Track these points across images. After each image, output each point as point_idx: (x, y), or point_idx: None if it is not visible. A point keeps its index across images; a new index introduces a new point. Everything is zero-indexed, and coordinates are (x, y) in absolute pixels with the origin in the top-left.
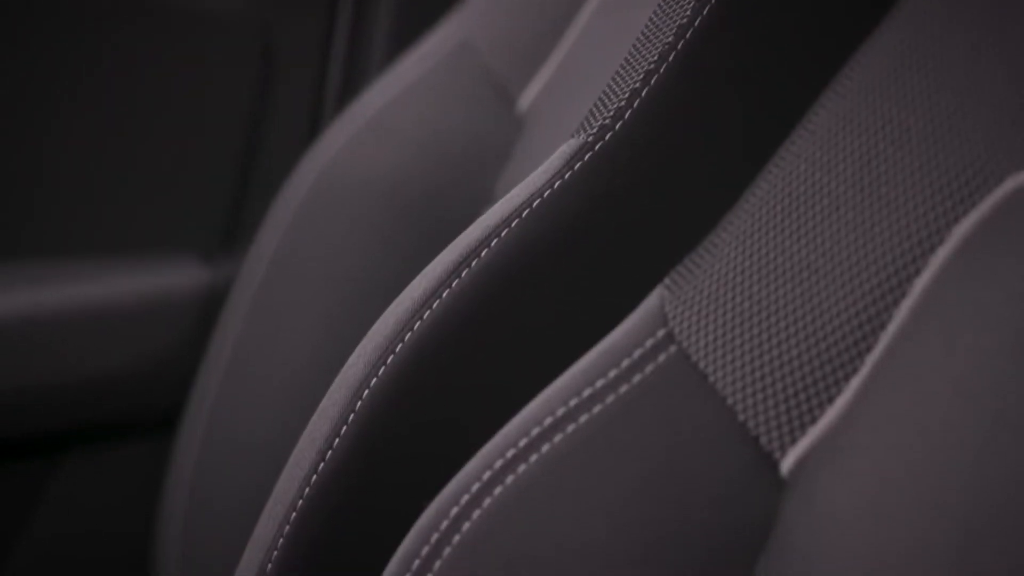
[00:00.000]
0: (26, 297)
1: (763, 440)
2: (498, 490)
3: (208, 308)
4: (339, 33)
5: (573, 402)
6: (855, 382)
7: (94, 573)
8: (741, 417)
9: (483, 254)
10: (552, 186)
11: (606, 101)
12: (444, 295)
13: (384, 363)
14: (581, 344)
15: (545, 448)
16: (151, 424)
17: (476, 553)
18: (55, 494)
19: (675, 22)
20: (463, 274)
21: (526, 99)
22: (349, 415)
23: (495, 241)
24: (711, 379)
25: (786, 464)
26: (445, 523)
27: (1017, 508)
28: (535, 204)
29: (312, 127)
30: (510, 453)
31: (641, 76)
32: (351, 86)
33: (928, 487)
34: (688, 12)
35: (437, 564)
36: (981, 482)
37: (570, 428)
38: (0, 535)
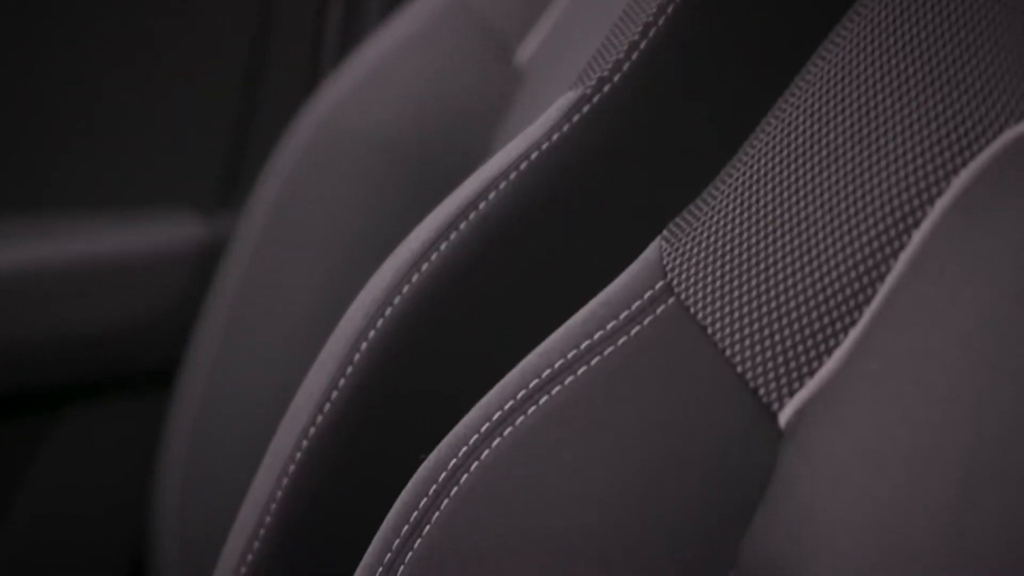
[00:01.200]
0: (23, 251)
1: (762, 392)
2: (496, 442)
3: (206, 263)
4: None
5: (571, 354)
6: (854, 334)
7: (91, 528)
8: (740, 369)
9: (481, 207)
10: (550, 139)
11: (604, 54)
12: (442, 247)
13: (382, 316)
14: (579, 297)
15: (543, 400)
16: (149, 379)
17: (474, 504)
18: (52, 449)
19: None
20: (461, 227)
21: (524, 52)
22: (347, 368)
23: (493, 194)
24: (710, 331)
25: (784, 415)
26: (443, 475)
27: (1016, 459)
28: (533, 157)
29: (310, 81)
30: (508, 405)
31: (639, 29)
32: (349, 39)
33: (926, 438)
34: None
35: (435, 516)
36: (980, 433)
37: (568, 380)
38: None
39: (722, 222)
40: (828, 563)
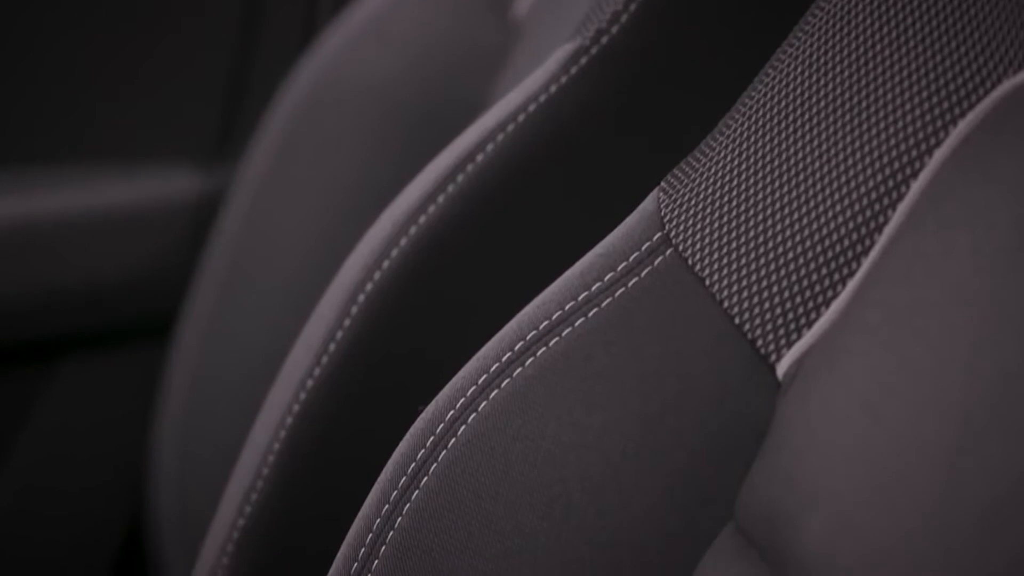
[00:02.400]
0: (19, 204)
1: (760, 343)
2: (494, 394)
3: (203, 216)
4: None
5: (569, 306)
6: (851, 285)
7: (89, 480)
8: (738, 320)
9: (478, 159)
10: (548, 90)
11: (602, 6)
12: (440, 200)
13: (379, 268)
14: (576, 250)
15: (540, 352)
16: (146, 331)
17: (472, 456)
18: (50, 402)
19: None
20: (458, 179)
21: (522, 4)
22: (344, 320)
23: (490, 146)
24: (707, 282)
25: (782, 366)
26: (441, 427)
27: (1013, 408)
28: (531, 108)
29: (307, 33)
30: (506, 357)
31: None
32: None
33: (923, 388)
34: None
35: (433, 467)
36: (977, 383)
37: (566, 332)
38: None
39: (720, 173)
40: (825, 511)
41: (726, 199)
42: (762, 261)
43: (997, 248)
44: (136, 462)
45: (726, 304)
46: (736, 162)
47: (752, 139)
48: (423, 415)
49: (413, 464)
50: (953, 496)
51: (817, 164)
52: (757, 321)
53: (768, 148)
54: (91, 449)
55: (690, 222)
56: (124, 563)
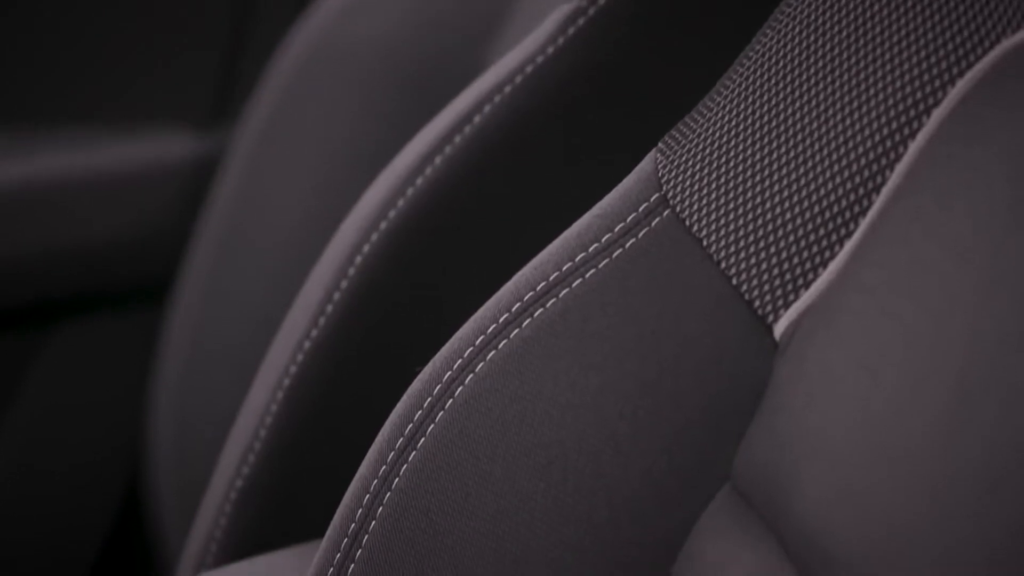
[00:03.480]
0: (15, 166)
1: (757, 303)
2: (491, 354)
3: (201, 178)
4: None
5: (566, 266)
6: (849, 245)
7: (86, 443)
8: (735, 281)
9: (475, 120)
10: (545, 52)
11: None
12: (437, 161)
13: (376, 229)
14: (573, 210)
15: (538, 313)
16: (144, 294)
17: (469, 416)
18: (47, 365)
19: None
20: (456, 140)
21: None
22: (341, 281)
23: (488, 107)
24: (705, 243)
25: (779, 327)
26: (438, 387)
27: (1012, 369)
28: (528, 70)
29: None
30: (503, 318)
31: None
32: None
33: (922, 349)
34: None
35: (430, 428)
36: (976, 344)
37: (563, 292)
38: None
39: (717, 133)
40: (821, 471)
41: (723, 160)
42: (760, 222)
43: (996, 208)
44: (133, 425)
45: (723, 265)
46: (733, 123)
47: (749, 100)
48: (420, 376)
49: (410, 426)
50: (952, 460)
51: (815, 124)
52: (755, 282)
53: (765, 108)
54: (88, 412)
55: (687, 183)
56: (121, 525)
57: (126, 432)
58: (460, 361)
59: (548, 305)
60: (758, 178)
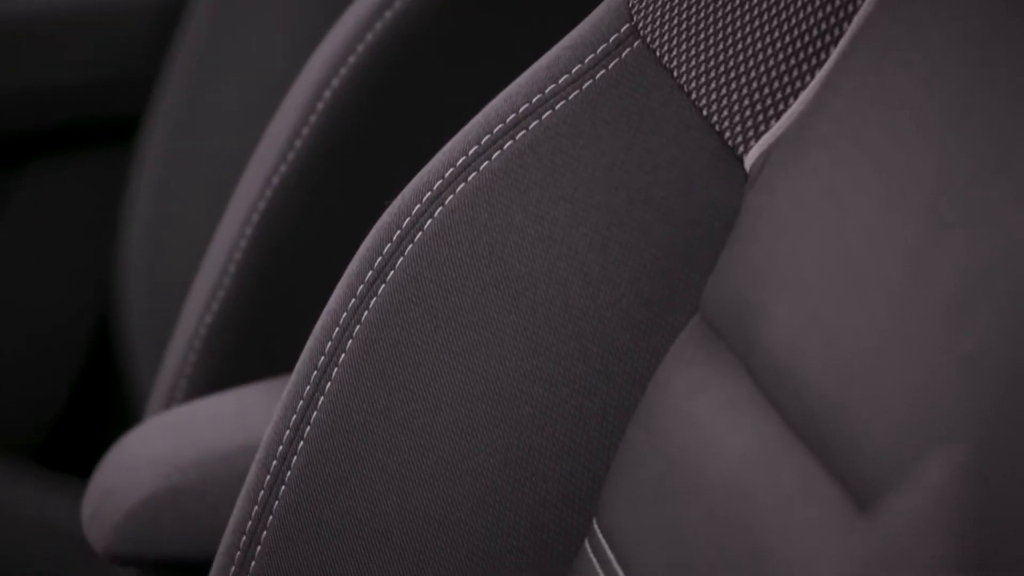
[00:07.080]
0: None
1: (727, 134)
2: (460, 187)
3: (170, 16)
4: None
5: (536, 98)
6: (820, 75)
7: (60, 278)
8: (706, 112)
9: None
10: None
11: None
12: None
13: (345, 63)
14: (544, 42)
15: (507, 145)
16: (114, 130)
17: (438, 248)
18: (19, 202)
19: None
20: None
21: None
22: (309, 116)
23: None
24: (675, 74)
25: (750, 158)
26: (407, 221)
27: (983, 200)
28: None
29: None
30: (472, 151)
31: None
32: None
33: (893, 180)
34: None
35: (400, 261)
36: (947, 175)
37: (532, 124)
38: None
39: None
40: (790, 299)
41: None
42: (731, 52)
43: (967, 40)
44: (105, 260)
45: (694, 96)
46: None
47: None
48: (389, 210)
49: (379, 259)
50: (920, 286)
51: None
52: (725, 113)
53: None
54: (60, 248)
55: (658, 13)
56: (93, 361)
57: (99, 266)
58: (429, 194)
59: (518, 137)
60: (729, 7)
